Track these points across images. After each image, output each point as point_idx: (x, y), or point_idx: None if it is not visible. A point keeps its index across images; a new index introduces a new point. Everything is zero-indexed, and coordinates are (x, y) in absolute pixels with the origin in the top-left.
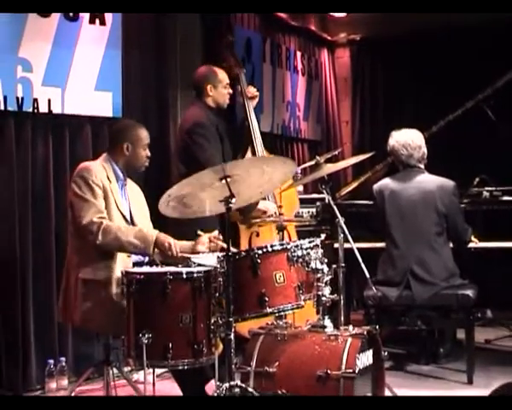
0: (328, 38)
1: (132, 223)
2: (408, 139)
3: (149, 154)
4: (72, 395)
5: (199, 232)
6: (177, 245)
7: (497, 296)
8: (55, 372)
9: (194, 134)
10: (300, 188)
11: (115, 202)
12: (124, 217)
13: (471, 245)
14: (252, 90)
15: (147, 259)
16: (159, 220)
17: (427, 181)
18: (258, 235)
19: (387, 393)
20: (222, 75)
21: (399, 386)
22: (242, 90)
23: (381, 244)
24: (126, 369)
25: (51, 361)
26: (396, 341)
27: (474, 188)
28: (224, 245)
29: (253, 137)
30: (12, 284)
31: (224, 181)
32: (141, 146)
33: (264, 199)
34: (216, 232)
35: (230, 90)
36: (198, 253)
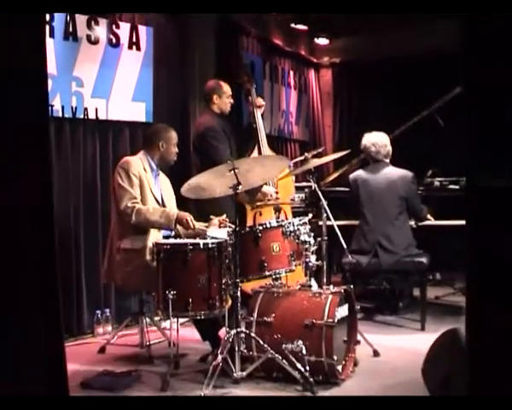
0: (315, 60)
1: (163, 205)
2: (376, 139)
3: (177, 150)
4: (115, 338)
5: (211, 217)
6: (194, 220)
7: (444, 262)
8: (102, 320)
9: (208, 137)
10: (293, 178)
11: (150, 188)
12: (156, 200)
13: (428, 222)
14: (260, 101)
15: (173, 233)
16: (183, 203)
17: (392, 172)
18: (261, 214)
19: (359, 337)
20: (226, 88)
21: (369, 332)
22: (253, 101)
23: (355, 222)
24: (156, 318)
25: (98, 312)
26: (366, 297)
27: (427, 178)
28: (231, 225)
29: (260, 138)
30: (68, 253)
31: (232, 172)
32: (172, 144)
33: (267, 184)
34: (224, 216)
35: (232, 101)
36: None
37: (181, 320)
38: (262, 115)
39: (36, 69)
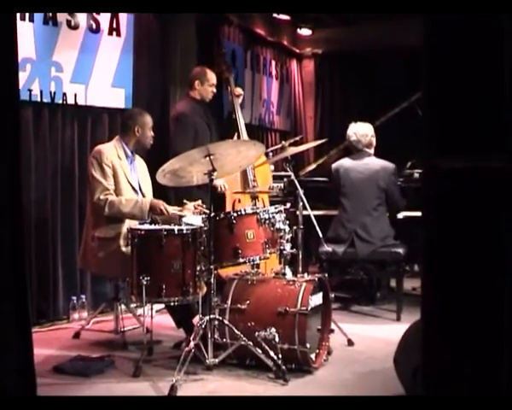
0: (297, 51)
1: (141, 191)
2: (358, 129)
3: (153, 134)
4: (90, 324)
5: (185, 201)
6: (168, 208)
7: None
8: (77, 306)
9: (176, 122)
10: (272, 167)
11: (125, 175)
12: (133, 188)
13: (407, 213)
14: (238, 90)
15: (149, 219)
16: (161, 187)
17: (373, 163)
18: (239, 201)
19: (333, 326)
20: (210, 76)
21: (345, 322)
22: (231, 90)
23: (334, 212)
24: (132, 305)
25: (74, 298)
26: (344, 288)
27: (407, 170)
28: (206, 211)
29: (239, 127)
30: (44, 239)
31: (208, 158)
32: (148, 128)
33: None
34: (199, 201)
35: (214, 90)
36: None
37: (157, 307)
38: (242, 104)
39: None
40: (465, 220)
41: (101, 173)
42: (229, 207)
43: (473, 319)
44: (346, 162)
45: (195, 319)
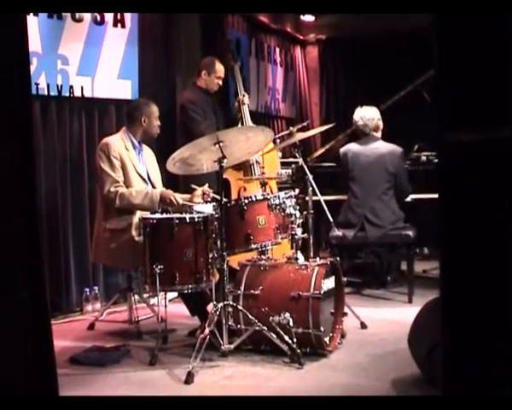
0: (301, 37)
1: (150, 181)
2: (364, 113)
3: (159, 123)
4: (104, 315)
5: (193, 186)
6: (178, 198)
7: (432, 236)
8: (90, 298)
9: (188, 110)
10: (279, 153)
11: (134, 166)
12: (142, 178)
13: (416, 196)
14: (245, 99)
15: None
16: (170, 176)
17: (381, 147)
18: (245, 189)
19: (346, 309)
20: (219, 68)
21: (357, 306)
22: (236, 79)
23: (343, 197)
24: (145, 295)
25: (87, 289)
26: (355, 272)
27: (414, 153)
28: (215, 195)
29: (243, 115)
30: (55, 232)
31: (217, 146)
32: (154, 117)
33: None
34: (206, 186)
35: (221, 82)
36: (195, 202)
37: (170, 296)
38: (247, 93)
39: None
40: (477, 193)
41: (110, 166)
42: (234, 195)
43: (489, 293)
44: (353, 147)
45: (209, 307)
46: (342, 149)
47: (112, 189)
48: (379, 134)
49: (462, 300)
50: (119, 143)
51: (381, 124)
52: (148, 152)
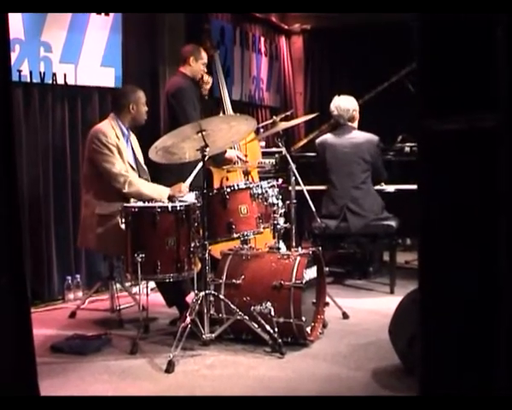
0: (286, 27)
1: (138, 169)
2: (339, 103)
3: (147, 109)
4: (85, 303)
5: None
6: (185, 187)
7: (414, 227)
8: (72, 286)
9: (179, 97)
10: (263, 143)
11: (124, 154)
12: (131, 167)
13: (399, 186)
14: (208, 79)
15: None
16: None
17: (357, 136)
18: (227, 179)
19: (328, 299)
20: (203, 54)
21: (339, 296)
22: (216, 67)
23: (324, 187)
24: (127, 284)
25: (69, 277)
26: (337, 262)
27: (398, 144)
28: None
29: (224, 103)
30: (38, 220)
31: (200, 134)
32: (142, 103)
33: (231, 149)
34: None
35: (205, 69)
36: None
37: (151, 285)
38: (231, 81)
39: None
40: (459, 182)
41: (111, 152)
42: (216, 185)
43: (469, 284)
44: (329, 138)
45: (189, 297)
46: (318, 140)
47: (123, 172)
48: (355, 124)
49: (441, 291)
50: (111, 131)
51: (356, 114)
52: (134, 139)
